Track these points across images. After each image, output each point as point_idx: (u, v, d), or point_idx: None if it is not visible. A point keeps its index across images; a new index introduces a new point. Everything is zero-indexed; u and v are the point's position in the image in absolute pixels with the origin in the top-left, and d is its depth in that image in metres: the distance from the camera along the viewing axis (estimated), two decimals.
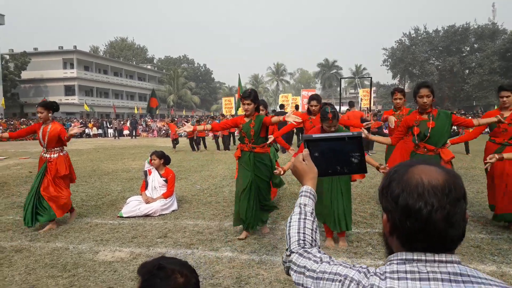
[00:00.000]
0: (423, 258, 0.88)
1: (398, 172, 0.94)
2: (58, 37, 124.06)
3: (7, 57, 45.74)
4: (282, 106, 17.45)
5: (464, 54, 51.43)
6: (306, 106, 16.38)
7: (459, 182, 0.90)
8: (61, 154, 5.40)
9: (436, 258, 0.87)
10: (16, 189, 8.03)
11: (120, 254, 4.17)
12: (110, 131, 34.74)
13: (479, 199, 6.30)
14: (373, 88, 68.11)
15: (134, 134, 31.94)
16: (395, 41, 55.73)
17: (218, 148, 16.90)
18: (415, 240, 0.89)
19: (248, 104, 4.61)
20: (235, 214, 4.70)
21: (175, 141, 17.67)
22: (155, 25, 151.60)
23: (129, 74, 61.52)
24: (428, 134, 4.18)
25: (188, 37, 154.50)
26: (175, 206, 6.02)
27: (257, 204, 4.64)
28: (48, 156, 5.31)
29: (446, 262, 0.87)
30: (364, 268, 0.94)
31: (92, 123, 36.74)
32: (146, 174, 6.16)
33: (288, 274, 1.09)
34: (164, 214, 5.75)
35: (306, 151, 1.24)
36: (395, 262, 0.91)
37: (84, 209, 6.25)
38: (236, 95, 21.34)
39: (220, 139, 17.29)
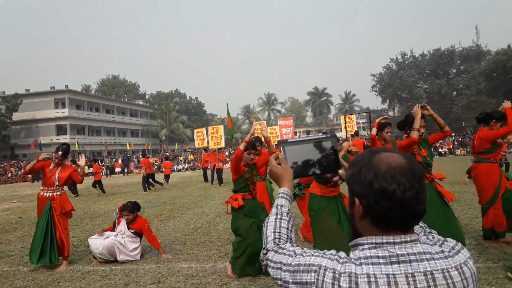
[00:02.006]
0: (392, 240, 0.96)
1: (366, 159, 1.01)
2: (50, 77, 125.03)
3: None
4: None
5: (451, 76, 52.55)
6: (285, 136, 16.30)
7: (417, 163, 1.00)
8: (63, 191, 5.69)
9: (403, 239, 0.96)
10: (4, 237, 7.86)
11: None
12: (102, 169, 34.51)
13: (474, 225, 6.21)
14: (363, 114, 69.06)
15: (126, 171, 31.74)
16: (382, 67, 57.01)
17: (212, 182, 16.73)
18: (390, 219, 0.96)
19: (253, 154, 4.62)
20: (241, 262, 4.45)
21: (167, 177, 17.72)
22: (147, 61, 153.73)
23: (121, 110, 61.82)
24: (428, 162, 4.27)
25: (179, 71, 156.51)
26: (138, 256, 5.66)
27: None
28: (51, 195, 5.50)
29: (411, 241, 0.96)
30: (335, 255, 0.99)
31: None
32: (115, 224, 5.93)
33: (266, 271, 1.12)
34: (153, 258, 5.63)
35: (281, 155, 1.30)
36: (367, 247, 0.97)
37: (76, 255, 6.11)
38: (228, 124, 20.94)
39: (209, 172, 17.21)
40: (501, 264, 4.39)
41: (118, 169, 33.87)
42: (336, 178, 1.37)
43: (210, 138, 17.40)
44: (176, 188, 16.00)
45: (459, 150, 29.71)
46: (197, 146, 19.57)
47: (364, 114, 55.63)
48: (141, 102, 69.18)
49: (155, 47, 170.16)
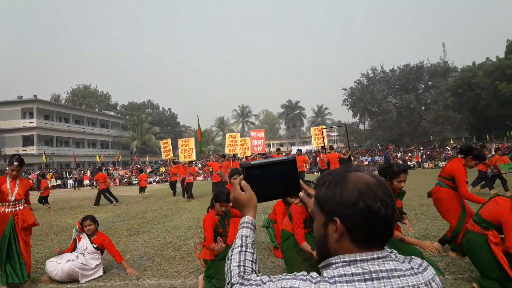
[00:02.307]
0: (365, 257, 0.96)
1: (342, 178, 1.03)
2: (18, 87, 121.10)
3: None
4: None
5: (419, 92, 54.29)
6: (256, 148, 15.97)
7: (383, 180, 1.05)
8: (25, 205, 5.37)
9: (375, 256, 0.97)
10: None
11: None
12: (70, 181, 33.53)
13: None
14: (334, 127, 70.11)
15: (95, 183, 30.93)
16: (354, 81, 58.31)
17: (183, 195, 16.41)
18: (373, 236, 0.98)
19: (225, 206, 4.48)
20: None
21: (143, 189, 17.43)
22: (119, 71, 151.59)
23: (91, 121, 60.53)
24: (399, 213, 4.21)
25: (153, 82, 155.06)
26: (100, 272, 5.46)
27: None
28: (13, 210, 5.17)
29: (383, 258, 0.98)
30: (307, 275, 0.97)
31: (51, 174, 35.37)
32: (76, 241, 5.60)
33: None
34: (120, 274, 5.45)
35: (244, 181, 1.26)
36: (340, 265, 0.97)
37: (39, 272, 5.83)
38: (198, 137, 19.83)
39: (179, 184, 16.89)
40: (466, 276, 4.49)
41: (86, 182, 33.00)
42: (296, 201, 1.34)
43: (181, 150, 16.63)
44: (146, 201, 15.66)
45: (427, 163, 30.51)
46: (164, 157, 18.97)
47: (336, 127, 56.68)
48: (112, 113, 67.99)
49: (128, 57, 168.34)
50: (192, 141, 16.83)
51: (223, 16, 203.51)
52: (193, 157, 16.66)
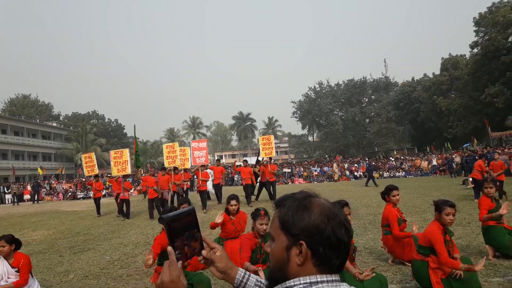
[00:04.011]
0: (325, 279, 1.00)
1: (309, 204, 1.06)
2: None
3: None
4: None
5: (363, 105, 56.87)
6: (198, 160, 14.94)
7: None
8: None
9: (333, 278, 1.01)
10: None
11: None
12: (8, 196, 31.43)
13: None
14: (285, 138, 71.04)
15: (36, 198, 29.20)
16: (302, 95, 59.84)
17: (118, 212, 14.37)
18: (333, 261, 1.02)
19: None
20: None
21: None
22: (61, 80, 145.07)
23: (32, 132, 57.26)
24: None
25: (98, 92, 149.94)
26: None
27: None
28: None
29: (337, 281, 1.02)
30: None
31: None
32: None
33: None
34: None
35: (170, 249, 1.12)
36: (301, 286, 1.00)
37: None
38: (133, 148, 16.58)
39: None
40: (413, 285, 4.68)
41: (27, 196, 31.08)
42: (199, 259, 1.22)
43: (113, 163, 14.52)
44: (91, 216, 14.96)
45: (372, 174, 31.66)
46: (86, 174, 16.49)
47: (286, 138, 57.58)
48: (54, 124, 64.73)
49: (71, 65, 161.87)
50: (126, 152, 14.74)
51: (176, 23, 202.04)
52: (128, 171, 14.76)
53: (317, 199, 1.08)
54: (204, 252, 1.22)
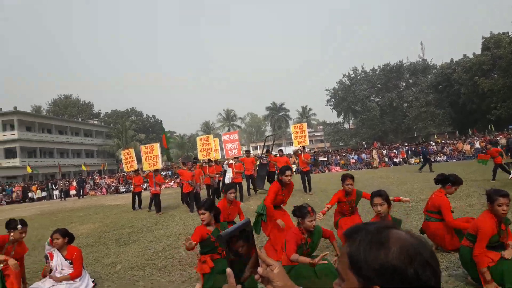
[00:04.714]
0: None
1: (385, 238, 0.88)
2: None
3: None
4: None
5: (401, 89, 55.11)
6: (231, 152, 14.77)
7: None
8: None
9: None
10: None
11: None
12: (56, 192, 32.94)
13: None
14: (320, 127, 70.23)
15: (81, 193, 30.50)
16: (336, 82, 58.75)
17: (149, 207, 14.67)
18: None
19: (202, 213, 4.41)
20: None
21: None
22: (101, 80, 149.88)
23: (75, 131, 59.66)
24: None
25: (135, 89, 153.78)
26: (90, 285, 5.19)
27: None
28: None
29: None
30: None
31: (36, 185, 34.74)
32: (47, 258, 5.14)
33: None
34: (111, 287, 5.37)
35: (229, 271, 1.04)
36: None
37: None
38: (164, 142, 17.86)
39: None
40: (460, 272, 4.52)
41: (73, 192, 32.47)
42: (257, 277, 1.10)
43: (144, 158, 14.40)
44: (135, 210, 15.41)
45: (412, 159, 30.82)
46: (126, 170, 16.65)
47: (321, 127, 56.91)
48: (95, 122, 67.15)
49: (108, 65, 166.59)
50: (157, 147, 14.73)
51: (205, 16, 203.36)
52: (159, 165, 14.67)
53: (396, 232, 0.89)
54: (260, 270, 1.08)
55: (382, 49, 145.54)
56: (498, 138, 25.82)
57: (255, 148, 75.17)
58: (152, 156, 14.47)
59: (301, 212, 4.09)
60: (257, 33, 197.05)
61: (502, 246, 3.98)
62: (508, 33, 39.09)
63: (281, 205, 6.09)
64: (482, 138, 30.28)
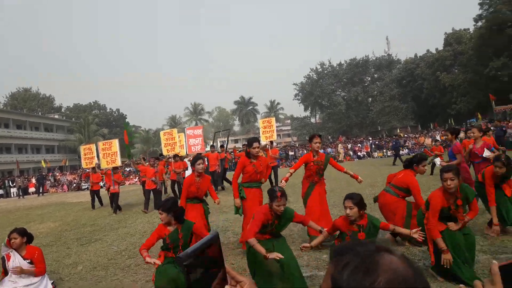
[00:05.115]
0: None
1: (374, 265, 0.76)
2: None
3: None
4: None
5: (366, 84, 56.47)
6: (194, 148, 14.24)
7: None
8: None
9: None
10: None
11: None
12: (13, 190, 31.61)
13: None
14: (287, 121, 70.91)
15: (41, 191, 29.32)
16: (303, 76, 59.39)
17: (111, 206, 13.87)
18: None
19: (160, 214, 4.25)
20: None
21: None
22: (61, 73, 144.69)
23: (34, 125, 57.30)
24: None
25: (98, 83, 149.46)
26: (48, 286, 5.00)
27: None
28: None
29: None
30: None
31: None
32: (4, 260, 4.85)
33: None
34: None
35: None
36: None
37: None
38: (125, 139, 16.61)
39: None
40: (421, 264, 4.60)
41: (32, 189, 31.24)
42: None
43: (102, 155, 13.62)
44: (96, 207, 14.90)
45: (376, 153, 31.58)
46: (84, 166, 15.37)
47: (289, 121, 57.36)
48: (56, 116, 64.76)
49: (71, 56, 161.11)
50: (115, 143, 13.93)
51: (176, 12, 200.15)
52: (118, 162, 13.80)
53: (389, 258, 0.77)
54: (227, 287, 0.99)
55: (350, 43, 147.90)
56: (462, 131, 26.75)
57: (224, 142, 74.84)
58: (111, 153, 13.75)
59: (270, 195, 4.05)
60: (257, 33, 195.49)
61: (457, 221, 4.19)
62: (469, 29, 40.63)
63: (260, 182, 5.96)
64: (443, 132, 31.42)
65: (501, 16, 31.14)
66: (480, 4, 34.85)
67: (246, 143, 6.14)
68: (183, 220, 4.31)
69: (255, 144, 5.69)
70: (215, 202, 6.25)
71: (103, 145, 13.96)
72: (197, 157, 5.91)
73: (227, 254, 5.95)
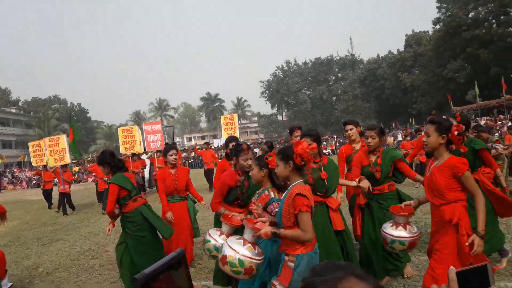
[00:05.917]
0: None
1: None
2: None
3: None
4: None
5: (331, 83, 57.63)
6: (153, 145, 13.87)
7: None
8: None
9: None
10: None
11: None
12: None
13: None
14: (254, 118, 71.07)
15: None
16: (270, 74, 59.78)
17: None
18: None
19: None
20: None
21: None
22: (19, 65, 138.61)
23: None
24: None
25: (58, 76, 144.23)
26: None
27: None
28: None
29: None
30: None
31: None
32: None
33: None
34: None
35: None
36: None
37: None
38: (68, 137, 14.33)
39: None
40: None
41: None
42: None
43: (49, 152, 12.58)
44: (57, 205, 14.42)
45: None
46: (34, 164, 14.24)
47: (256, 118, 57.58)
48: (13, 110, 62.04)
49: (29, 47, 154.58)
50: (63, 139, 12.90)
51: (138, 6, 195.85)
52: (67, 160, 12.76)
53: (357, 285, 0.76)
54: None
55: (315, 42, 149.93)
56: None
57: (190, 139, 74.25)
58: (59, 150, 12.69)
59: (235, 149, 3.72)
60: (224, 30, 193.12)
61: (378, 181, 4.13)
62: (428, 31, 42.16)
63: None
64: (404, 131, 32.54)
65: (458, 20, 32.53)
66: (438, 7, 36.28)
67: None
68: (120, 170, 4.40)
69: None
70: (201, 204, 5.35)
71: (50, 141, 12.91)
72: (168, 147, 5.29)
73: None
